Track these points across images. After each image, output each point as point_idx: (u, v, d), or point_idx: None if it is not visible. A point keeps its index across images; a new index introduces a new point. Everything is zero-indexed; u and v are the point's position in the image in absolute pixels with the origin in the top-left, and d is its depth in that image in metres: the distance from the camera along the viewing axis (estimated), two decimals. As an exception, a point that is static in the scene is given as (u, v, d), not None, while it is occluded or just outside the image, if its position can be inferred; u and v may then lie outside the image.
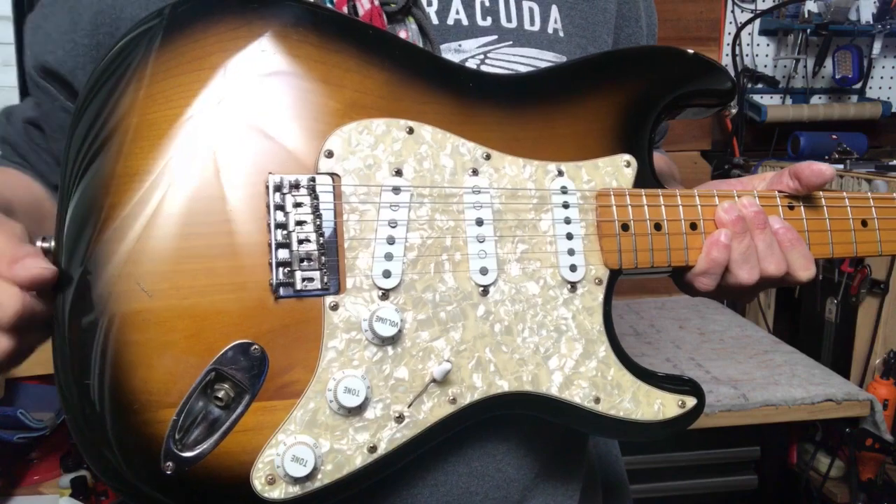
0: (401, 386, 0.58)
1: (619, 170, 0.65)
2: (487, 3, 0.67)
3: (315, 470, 0.54)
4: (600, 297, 0.64)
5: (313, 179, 0.57)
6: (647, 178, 0.66)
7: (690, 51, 0.68)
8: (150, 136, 0.55)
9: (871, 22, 2.13)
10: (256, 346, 0.55)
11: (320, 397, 0.56)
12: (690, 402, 0.65)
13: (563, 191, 0.63)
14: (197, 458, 0.53)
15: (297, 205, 0.56)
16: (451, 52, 0.66)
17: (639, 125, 0.66)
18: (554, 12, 0.70)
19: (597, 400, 0.63)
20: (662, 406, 0.64)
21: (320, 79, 0.58)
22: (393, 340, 0.58)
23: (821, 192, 0.69)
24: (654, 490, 1.60)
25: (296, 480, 0.54)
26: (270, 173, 0.56)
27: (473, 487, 0.68)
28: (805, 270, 0.66)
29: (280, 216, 0.56)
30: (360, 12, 0.63)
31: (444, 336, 0.60)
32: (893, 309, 1.68)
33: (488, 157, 0.62)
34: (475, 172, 0.61)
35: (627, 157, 0.66)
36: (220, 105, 0.56)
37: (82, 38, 0.66)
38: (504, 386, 0.61)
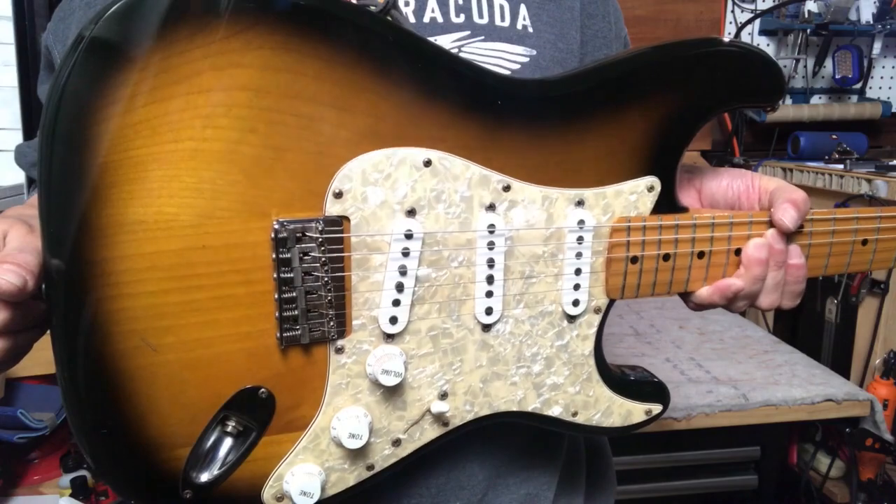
0: (399, 415, 0.60)
1: (641, 195, 0.63)
2: (461, 1, 0.69)
3: (321, 493, 0.58)
4: (596, 324, 0.65)
5: (321, 228, 0.53)
6: (669, 198, 0.64)
7: (753, 49, 0.62)
8: (136, 178, 0.49)
9: (871, 22, 2.13)
10: (264, 390, 0.56)
11: (325, 432, 0.58)
12: (656, 408, 0.71)
13: (580, 226, 0.62)
14: (212, 484, 0.57)
15: (304, 254, 0.54)
16: None
17: (674, 143, 0.63)
18: (522, 10, 0.72)
19: (574, 414, 0.67)
20: (631, 414, 0.70)
21: (329, 102, 0.52)
22: (398, 382, 0.58)
23: (833, 213, 0.67)
24: (653, 490, 1.60)
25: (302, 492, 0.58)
26: (274, 219, 0.52)
27: (441, 484, 0.72)
28: (791, 302, 0.67)
29: (286, 271, 0.54)
30: None
31: (442, 370, 0.61)
32: (893, 309, 1.68)
33: (508, 188, 0.59)
34: (492, 207, 0.59)
35: (652, 180, 0.63)
36: (216, 139, 0.50)
37: None
38: (495, 408, 0.64)
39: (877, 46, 2.15)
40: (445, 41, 0.69)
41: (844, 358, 1.78)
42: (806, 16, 2.11)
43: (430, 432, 0.62)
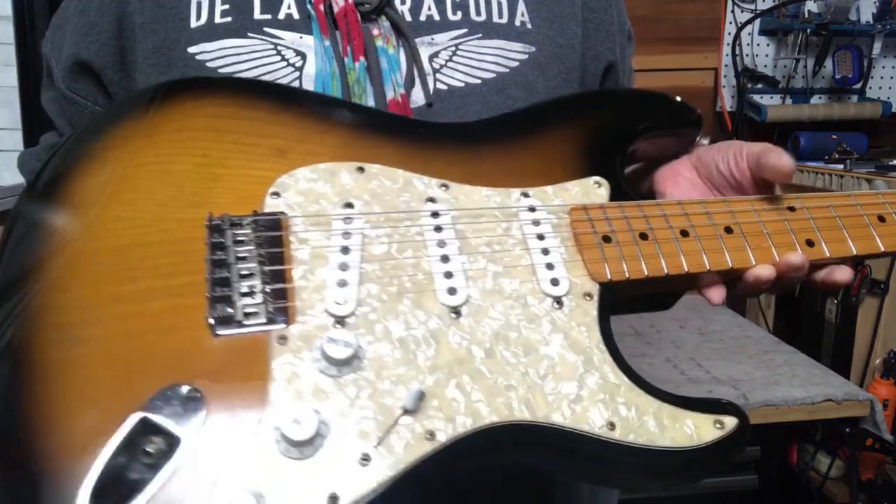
0: (366, 422, 0.48)
1: (589, 190, 0.61)
2: None
3: None
4: (593, 311, 0.55)
5: (256, 214, 0.55)
6: (623, 197, 0.62)
7: (655, 92, 0.68)
8: (86, 169, 0.56)
9: (871, 22, 2.13)
10: (192, 388, 0.47)
11: (266, 440, 0.47)
12: (730, 421, 0.52)
13: (532, 209, 0.59)
14: None
15: (239, 241, 0.53)
16: (424, 46, 0.68)
17: (607, 152, 0.64)
18: (521, 6, 0.71)
19: (611, 426, 0.51)
20: (695, 428, 0.51)
21: (269, 148, 0.59)
22: (352, 369, 0.49)
23: (826, 194, 0.65)
24: (654, 490, 1.60)
25: None
26: (209, 212, 0.54)
27: None
28: None
29: (219, 253, 0.52)
30: (335, 9, 0.66)
31: (413, 364, 0.51)
32: (893, 309, 1.68)
33: (446, 187, 0.59)
34: (432, 200, 0.58)
35: (597, 178, 0.62)
36: (170, 158, 0.57)
37: (108, 40, 0.68)
38: (493, 417, 0.50)
39: (877, 46, 2.15)
40: (443, 39, 0.68)
41: (844, 358, 1.78)
42: (806, 16, 2.11)
43: (414, 448, 0.48)
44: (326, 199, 0.57)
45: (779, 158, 0.60)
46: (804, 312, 1.94)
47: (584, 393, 0.52)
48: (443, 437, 0.49)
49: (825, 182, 1.85)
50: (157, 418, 0.46)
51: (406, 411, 0.49)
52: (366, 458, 0.47)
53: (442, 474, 0.49)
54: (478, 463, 0.50)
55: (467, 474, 0.50)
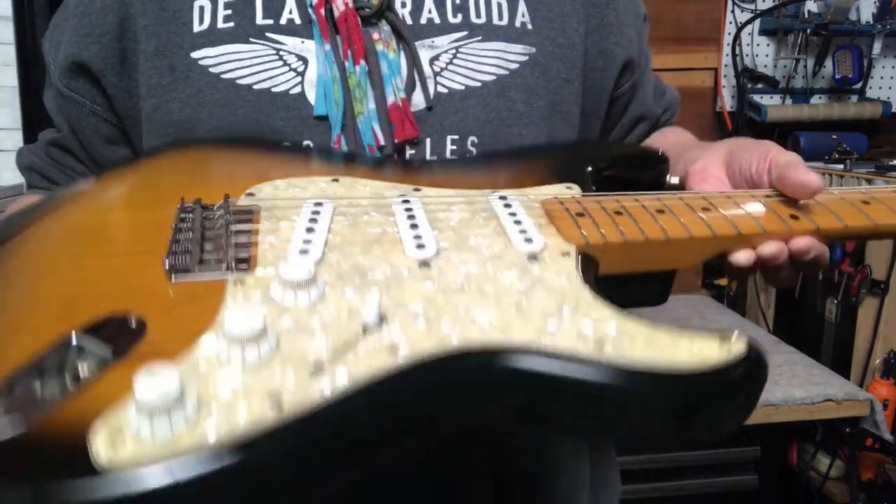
0: (321, 341, 0.44)
1: (561, 192, 0.62)
2: (458, 1, 0.69)
3: (181, 403, 0.37)
4: (572, 264, 0.52)
5: (227, 198, 0.56)
6: None
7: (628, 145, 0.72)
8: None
9: (871, 22, 2.13)
10: (135, 316, 0.44)
11: (207, 349, 0.42)
12: (738, 345, 0.44)
13: (502, 198, 0.60)
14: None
15: (207, 219, 0.54)
16: (424, 49, 0.68)
17: (579, 169, 0.65)
18: (521, 6, 0.71)
19: (599, 343, 0.44)
20: (699, 349, 0.44)
21: (251, 171, 0.63)
22: (310, 299, 0.46)
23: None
24: (653, 490, 1.60)
25: (151, 415, 0.36)
26: (182, 197, 0.57)
27: None
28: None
29: (186, 223, 0.53)
30: (336, 14, 0.66)
31: (373, 295, 0.47)
32: (893, 309, 1.69)
33: (418, 190, 0.61)
34: (403, 195, 0.60)
35: (570, 184, 0.63)
36: (152, 178, 0.62)
37: (110, 42, 0.69)
38: (463, 341, 0.45)
39: (877, 46, 2.15)
40: (443, 42, 0.68)
41: (844, 358, 1.78)
42: (806, 16, 2.11)
43: (372, 360, 0.43)
44: (300, 198, 0.59)
45: (806, 174, 0.57)
46: (804, 312, 1.94)
47: (567, 320, 0.46)
48: (405, 352, 0.43)
49: (825, 182, 1.85)
50: (90, 340, 0.43)
51: (366, 330, 0.44)
52: (318, 368, 0.42)
53: (405, 411, 0.43)
54: (443, 406, 0.44)
55: (443, 431, 0.44)
